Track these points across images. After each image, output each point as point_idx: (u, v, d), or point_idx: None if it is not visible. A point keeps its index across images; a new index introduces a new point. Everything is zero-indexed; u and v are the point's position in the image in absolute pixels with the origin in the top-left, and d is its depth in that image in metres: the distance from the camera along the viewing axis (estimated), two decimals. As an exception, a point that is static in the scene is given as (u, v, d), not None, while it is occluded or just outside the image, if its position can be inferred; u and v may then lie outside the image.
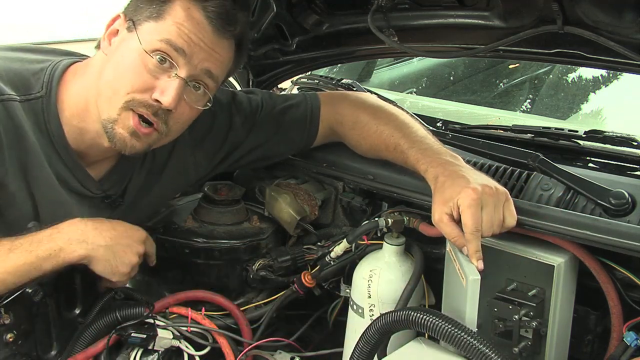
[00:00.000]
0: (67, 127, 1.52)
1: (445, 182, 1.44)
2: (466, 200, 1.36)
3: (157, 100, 1.46)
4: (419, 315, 1.28)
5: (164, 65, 1.45)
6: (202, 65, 1.49)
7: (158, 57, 1.44)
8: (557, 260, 1.41)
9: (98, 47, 1.55)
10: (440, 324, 1.24)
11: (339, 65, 2.90)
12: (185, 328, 1.61)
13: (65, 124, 1.52)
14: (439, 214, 1.41)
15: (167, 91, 1.45)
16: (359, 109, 1.77)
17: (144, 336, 1.55)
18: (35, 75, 1.51)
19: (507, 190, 1.43)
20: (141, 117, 1.47)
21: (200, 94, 1.53)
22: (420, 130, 1.67)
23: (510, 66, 3.16)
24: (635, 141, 1.69)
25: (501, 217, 1.39)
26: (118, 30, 1.51)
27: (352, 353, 1.37)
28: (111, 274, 1.48)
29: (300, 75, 2.39)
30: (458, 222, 1.39)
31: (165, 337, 1.58)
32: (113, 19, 1.53)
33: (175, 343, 1.59)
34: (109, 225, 1.49)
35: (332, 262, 1.69)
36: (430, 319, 1.26)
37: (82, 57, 1.63)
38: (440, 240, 1.54)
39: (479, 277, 1.33)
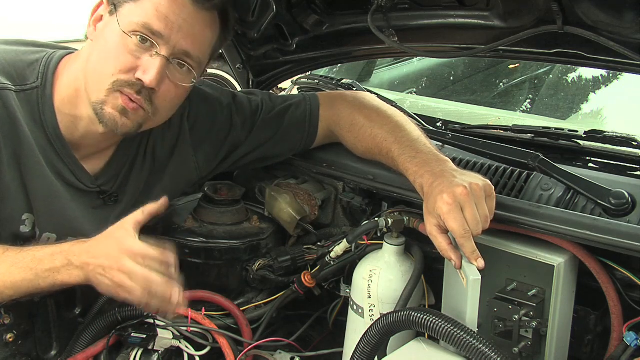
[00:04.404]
0: (60, 117, 1.53)
1: (429, 193, 1.43)
2: (443, 207, 1.36)
3: (139, 79, 1.46)
4: (420, 315, 1.28)
5: (145, 45, 1.46)
6: (180, 47, 1.49)
7: (139, 37, 1.45)
8: (557, 260, 1.41)
9: (87, 38, 1.56)
10: (441, 324, 1.24)
11: (339, 65, 2.90)
12: (185, 328, 1.61)
13: (58, 114, 1.52)
14: (429, 226, 1.42)
15: (149, 70, 1.46)
16: (356, 111, 1.77)
17: (144, 336, 1.55)
18: (31, 66, 1.52)
19: (490, 185, 1.42)
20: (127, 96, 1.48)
21: (185, 71, 1.54)
22: (413, 132, 1.66)
23: (510, 66, 3.15)
24: (635, 141, 1.68)
25: (486, 212, 1.38)
26: (102, 16, 1.53)
27: (353, 353, 1.37)
28: (115, 295, 1.41)
29: (300, 75, 2.39)
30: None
31: (165, 337, 1.58)
32: (97, 5, 1.54)
33: (175, 343, 1.59)
34: (104, 245, 1.41)
35: (332, 262, 1.69)
36: (432, 320, 1.26)
37: (75, 50, 1.63)
38: (440, 240, 1.53)
39: (480, 277, 1.33)
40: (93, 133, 1.54)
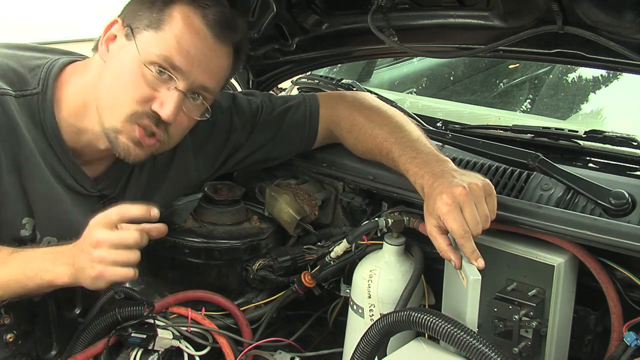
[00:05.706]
0: (64, 125, 1.52)
1: (429, 193, 1.43)
2: (443, 208, 1.36)
3: (156, 112, 1.47)
4: (420, 315, 1.28)
5: (162, 77, 1.46)
6: (199, 81, 1.50)
7: (157, 69, 1.44)
8: (557, 260, 1.42)
9: (95, 49, 1.55)
10: (441, 324, 1.24)
11: (339, 65, 2.90)
12: (185, 328, 1.61)
13: (61, 121, 1.52)
14: (429, 226, 1.42)
15: (166, 104, 1.46)
16: (356, 111, 1.77)
17: (144, 336, 1.55)
18: (32, 72, 1.51)
19: (489, 184, 1.42)
20: (144, 129, 1.48)
21: (199, 104, 1.55)
22: (414, 133, 1.66)
23: (510, 66, 3.16)
24: (635, 141, 1.69)
25: (486, 212, 1.38)
26: (116, 36, 1.51)
27: (353, 353, 1.37)
28: (102, 287, 1.41)
29: (300, 76, 2.39)
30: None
31: (165, 337, 1.58)
32: (110, 24, 1.52)
33: (175, 343, 1.59)
34: (80, 241, 1.40)
35: (332, 262, 1.69)
36: (432, 320, 1.26)
37: (81, 56, 1.63)
38: (440, 240, 1.53)
39: (480, 277, 1.33)
40: (94, 146, 1.55)
